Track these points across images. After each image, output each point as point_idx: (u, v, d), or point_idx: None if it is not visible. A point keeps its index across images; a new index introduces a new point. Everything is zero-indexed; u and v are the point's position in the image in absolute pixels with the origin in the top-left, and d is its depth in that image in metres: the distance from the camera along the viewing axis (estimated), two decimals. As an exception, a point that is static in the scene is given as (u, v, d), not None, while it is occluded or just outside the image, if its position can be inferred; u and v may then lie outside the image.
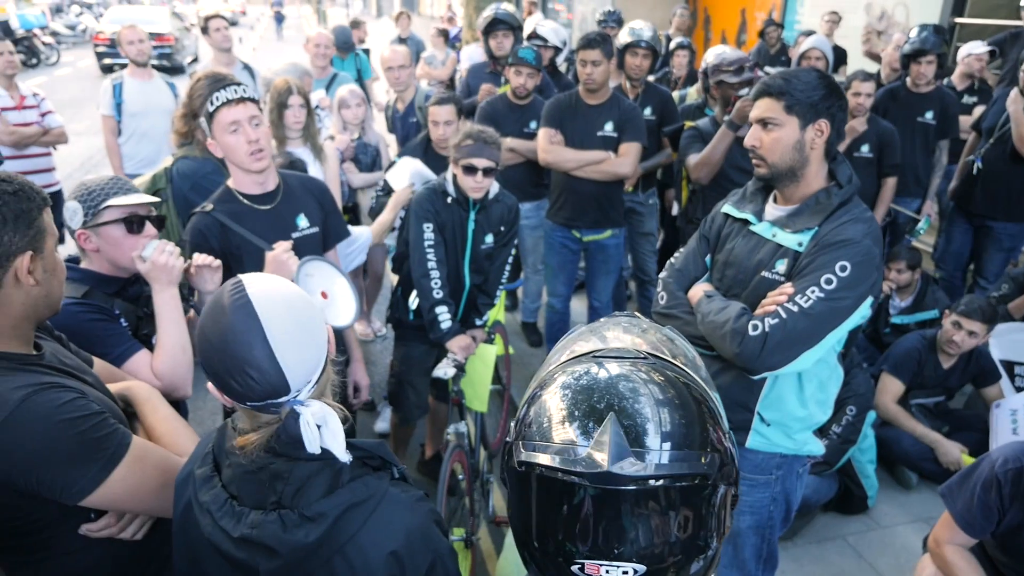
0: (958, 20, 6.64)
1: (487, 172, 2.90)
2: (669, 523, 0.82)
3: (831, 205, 1.88)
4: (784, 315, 1.79)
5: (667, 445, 0.81)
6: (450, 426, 3.07)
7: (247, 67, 5.18)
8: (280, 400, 1.13)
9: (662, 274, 2.21)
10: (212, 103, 2.27)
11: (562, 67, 5.26)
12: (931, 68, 4.52)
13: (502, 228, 3.14)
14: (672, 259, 2.23)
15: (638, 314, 1.08)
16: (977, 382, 3.71)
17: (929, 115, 4.56)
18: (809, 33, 5.50)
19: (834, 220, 1.86)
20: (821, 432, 3.26)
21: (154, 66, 5.03)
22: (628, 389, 0.85)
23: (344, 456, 1.14)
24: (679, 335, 1.04)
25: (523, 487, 0.86)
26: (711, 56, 3.74)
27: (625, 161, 3.81)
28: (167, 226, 3.24)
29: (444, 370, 2.94)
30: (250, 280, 1.16)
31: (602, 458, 0.79)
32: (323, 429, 1.14)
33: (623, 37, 4.33)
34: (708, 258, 2.14)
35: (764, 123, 1.92)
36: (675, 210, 4.26)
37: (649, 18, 5.81)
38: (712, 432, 0.85)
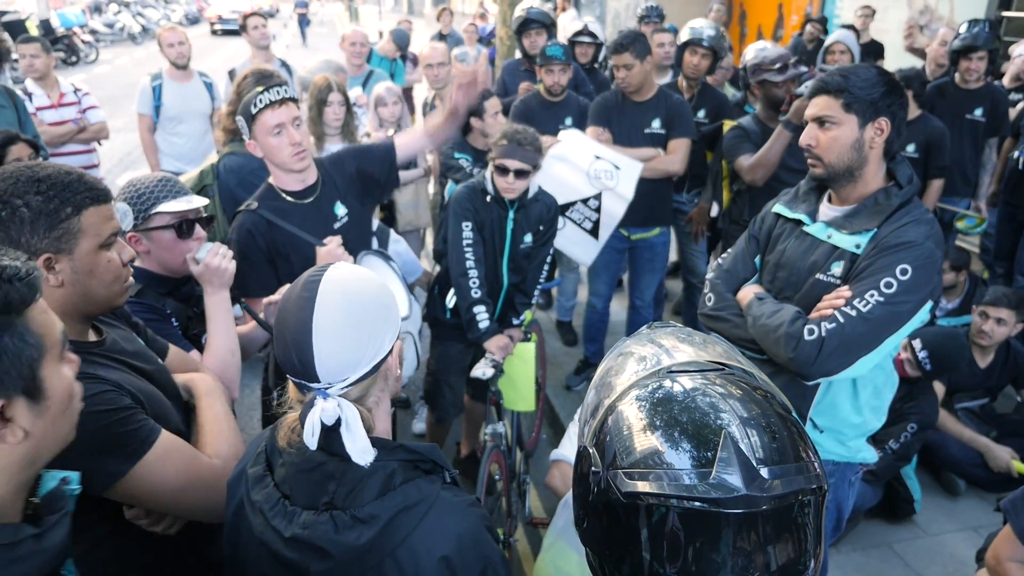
0: (1005, 14, 6.46)
1: (519, 174, 2.87)
2: (790, 541, 0.80)
3: (891, 206, 1.82)
4: (842, 319, 1.74)
5: (776, 461, 0.80)
6: (487, 427, 3.06)
7: (285, 64, 5.21)
8: (311, 385, 1.15)
9: (709, 275, 2.16)
10: (255, 105, 2.27)
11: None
12: (982, 64, 4.41)
13: (540, 227, 3.12)
14: (720, 259, 2.18)
15: (677, 324, 1.07)
16: (1018, 382, 3.62)
17: (979, 112, 4.45)
18: (850, 28, 5.39)
19: (894, 221, 1.80)
20: (876, 443, 3.19)
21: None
22: (744, 410, 0.83)
23: (359, 459, 1.13)
24: (727, 343, 1.01)
25: (625, 518, 0.83)
26: (751, 53, 3.66)
27: (675, 158, 3.77)
28: (214, 223, 3.27)
29: (483, 370, 2.93)
30: (338, 265, 1.21)
31: (736, 481, 0.76)
32: (342, 428, 1.13)
33: (684, 35, 4.27)
34: (758, 259, 2.09)
35: (821, 121, 1.86)
36: (714, 211, 4.19)
37: (684, 13, 5.75)
38: (804, 442, 0.84)
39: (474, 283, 2.94)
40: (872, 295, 1.73)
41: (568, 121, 4.22)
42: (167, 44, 4.77)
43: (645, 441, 0.83)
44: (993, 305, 3.42)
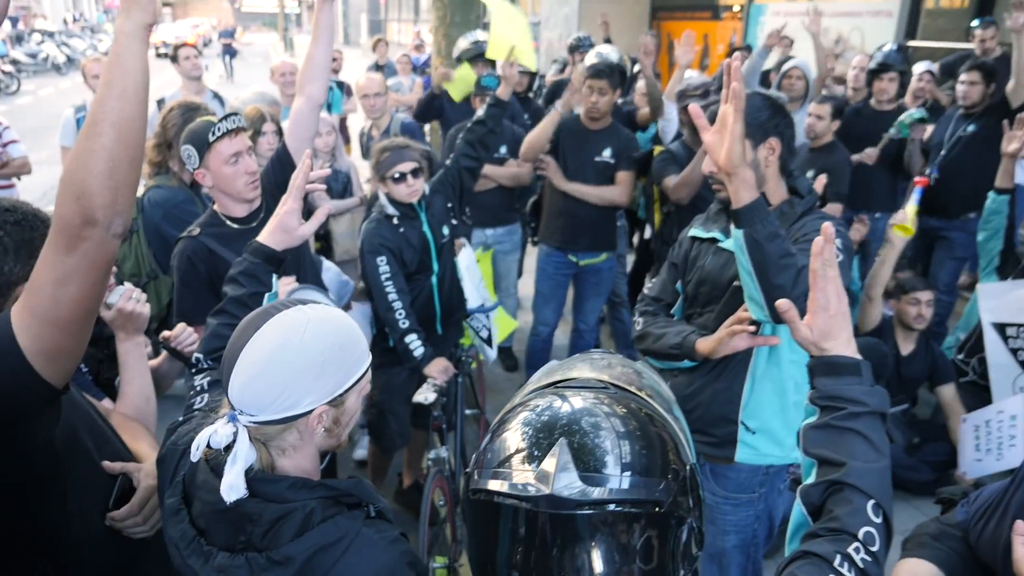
0: (911, 43, 6.87)
1: (415, 173, 2.95)
2: (628, 555, 0.82)
3: (795, 214, 1.96)
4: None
5: (626, 472, 0.82)
6: (431, 452, 3.06)
7: (217, 96, 5.16)
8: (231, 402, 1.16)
9: (638, 304, 2.27)
10: (213, 134, 2.27)
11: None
12: (893, 85, 4.72)
13: (448, 205, 3.20)
14: (646, 289, 2.30)
15: (610, 351, 1.11)
16: (933, 379, 3.81)
17: (892, 131, 4.72)
18: (787, 59, 5.68)
19: (800, 226, 1.93)
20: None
21: None
22: (586, 417, 0.87)
23: (225, 493, 1.10)
24: (650, 370, 1.06)
25: (479, 517, 0.87)
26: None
27: (622, 191, 3.92)
28: (137, 257, 3.21)
29: (425, 395, 2.94)
30: (306, 310, 1.19)
31: (546, 481, 0.80)
32: (229, 456, 1.12)
33: (589, 59, 4.42)
34: (679, 285, 2.19)
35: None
36: (648, 232, 4.34)
37: (615, 43, 5.95)
38: (672, 462, 0.87)
39: (400, 314, 2.96)
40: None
41: (503, 150, 4.30)
42: (91, 75, 4.68)
43: (502, 446, 0.88)
44: (915, 290, 3.74)
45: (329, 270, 3.28)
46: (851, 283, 4.41)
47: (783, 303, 1.22)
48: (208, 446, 1.13)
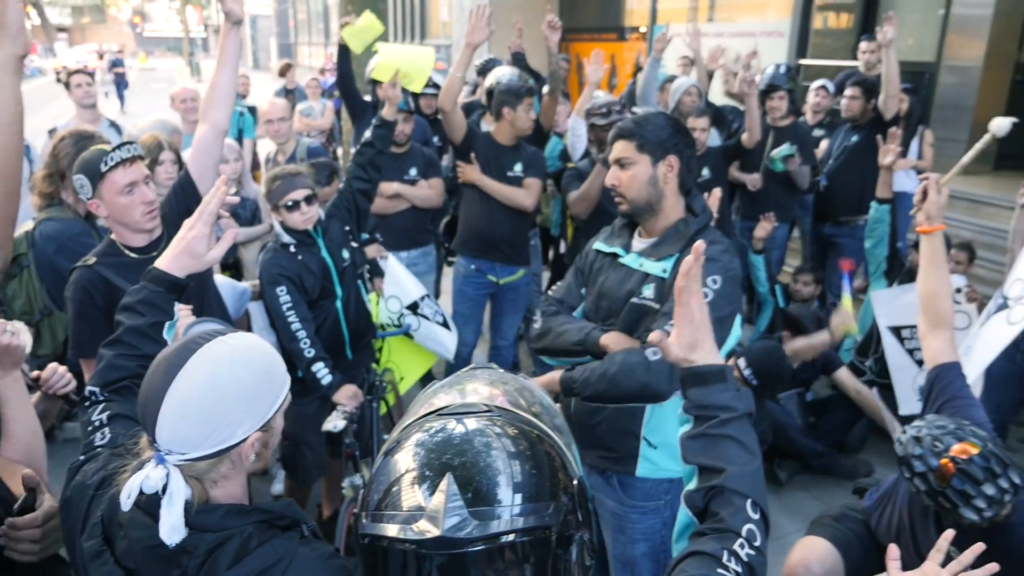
0: (802, 61, 7.26)
1: (309, 200, 2.92)
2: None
3: (689, 232, 2.02)
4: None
5: (516, 501, 0.83)
6: (345, 480, 3.01)
7: (113, 124, 4.98)
8: (153, 442, 1.13)
9: (540, 304, 2.30)
10: (105, 163, 2.18)
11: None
12: (783, 103, 4.97)
13: (346, 228, 3.18)
14: (551, 291, 2.33)
15: (495, 365, 1.11)
16: (826, 371, 4.14)
17: (768, 164, 4.96)
18: (672, 78, 5.88)
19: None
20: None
21: None
22: (470, 448, 0.86)
23: (166, 536, 1.08)
24: (531, 382, 1.07)
25: (372, 561, 0.85)
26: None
27: (530, 194, 4.00)
28: (29, 294, 3.05)
29: (334, 423, 2.89)
30: (227, 340, 1.18)
31: (435, 522, 0.80)
32: (164, 499, 1.10)
33: (488, 81, 4.50)
34: (584, 290, 2.25)
35: (621, 163, 2.06)
36: (563, 247, 4.43)
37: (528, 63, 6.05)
38: (561, 482, 0.88)
39: (305, 344, 2.92)
40: None
41: (413, 172, 4.31)
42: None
43: (387, 485, 0.86)
44: (803, 273, 4.34)
45: (223, 286, 3.21)
46: (758, 283, 4.62)
47: (655, 336, 1.28)
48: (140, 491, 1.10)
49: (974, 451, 1.86)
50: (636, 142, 2.03)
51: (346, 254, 3.14)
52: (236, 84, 2.56)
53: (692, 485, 1.21)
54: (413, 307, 3.80)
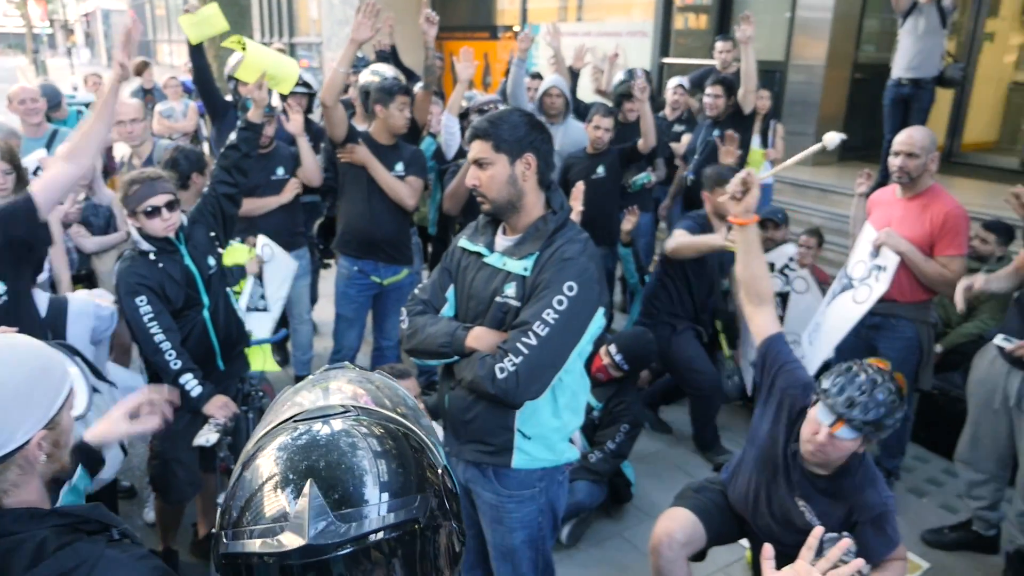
0: (665, 60, 7.58)
1: (171, 206, 2.79)
2: (398, 573, 0.82)
3: (548, 230, 2.06)
4: (526, 351, 1.93)
5: (383, 499, 0.81)
6: (220, 495, 2.87)
7: (-59, 128, 4.52)
8: None
9: (406, 305, 2.27)
10: None
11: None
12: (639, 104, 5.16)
13: (212, 234, 3.06)
14: (417, 290, 2.31)
15: (352, 364, 1.09)
16: (723, 269, 4.27)
17: (643, 176, 5.15)
18: (536, 75, 5.98)
19: (552, 244, 2.04)
20: (595, 445, 3.52)
21: None
22: (332, 451, 0.84)
23: None
24: (391, 380, 1.06)
25: None
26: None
27: (410, 191, 3.95)
28: None
29: (206, 436, 2.77)
30: None
31: (300, 531, 0.77)
32: None
33: (363, 78, 4.44)
34: (451, 290, 2.23)
35: (479, 163, 2.07)
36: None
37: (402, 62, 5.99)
38: (426, 473, 0.87)
39: (171, 355, 2.77)
40: (548, 314, 1.93)
41: (280, 171, 4.19)
42: None
43: (247, 498, 0.82)
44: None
45: (83, 313, 3.00)
46: (630, 275, 4.79)
47: None
48: None
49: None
50: (492, 142, 2.03)
51: (212, 261, 3.01)
52: (108, 136, 2.61)
53: None
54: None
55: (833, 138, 2.67)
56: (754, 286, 2.48)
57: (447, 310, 2.21)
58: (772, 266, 4.18)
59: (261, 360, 3.62)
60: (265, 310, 3.86)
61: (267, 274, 3.87)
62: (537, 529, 2.21)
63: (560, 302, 1.93)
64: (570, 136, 4.92)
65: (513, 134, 2.03)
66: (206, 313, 2.97)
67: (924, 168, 3.30)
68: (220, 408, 2.84)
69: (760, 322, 2.49)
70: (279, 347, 5.14)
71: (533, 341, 1.92)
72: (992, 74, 7.90)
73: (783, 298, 4.20)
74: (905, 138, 3.31)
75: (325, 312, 4.95)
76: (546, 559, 2.30)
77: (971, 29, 7.20)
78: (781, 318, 4.12)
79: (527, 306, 1.99)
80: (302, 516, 0.77)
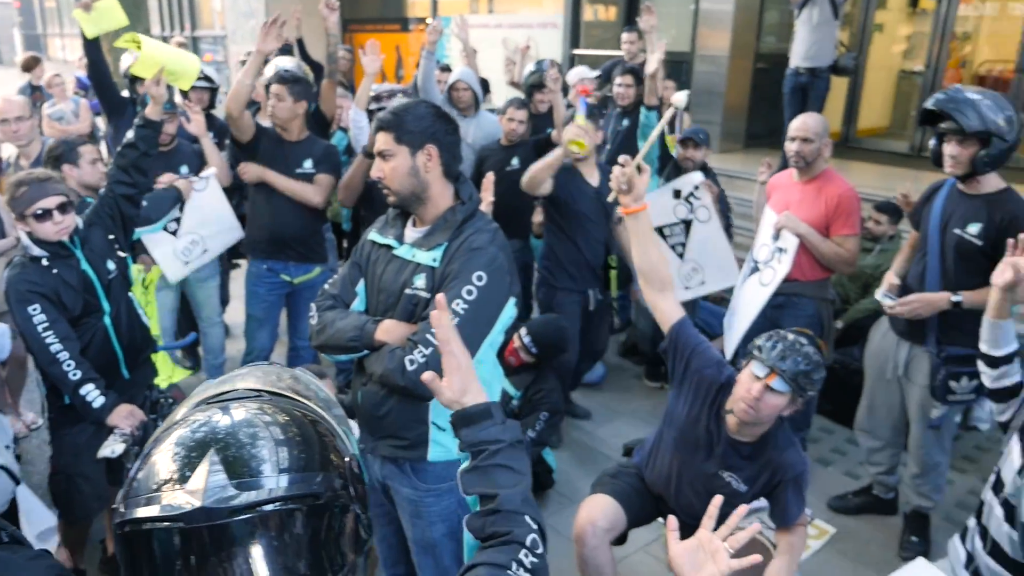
0: (575, 52, 7.68)
1: (63, 208, 2.66)
2: (294, 552, 0.82)
3: (456, 221, 2.06)
4: (435, 341, 1.91)
5: (283, 472, 0.82)
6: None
7: None
8: None
9: (316, 300, 2.24)
10: None
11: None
12: (551, 95, 5.21)
13: (111, 237, 2.95)
14: (327, 285, 2.28)
15: (275, 362, 1.10)
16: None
17: (551, 131, 5.21)
18: (446, 68, 5.95)
19: (461, 234, 2.04)
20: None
21: None
22: (238, 426, 0.85)
23: None
24: (307, 374, 1.07)
25: (133, 553, 0.81)
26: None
27: (318, 189, 3.85)
28: None
29: (111, 448, 2.65)
30: None
31: (197, 495, 0.78)
32: None
33: (268, 71, 4.32)
34: (361, 284, 2.21)
35: (382, 155, 2.06)
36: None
37: (311, 56, 5.86)
38: (332, 457, 0.89)
39: (69, 365, 2.64)
40: (458, 304, 1.93)
41: (184, 170, 4.05)
42: None
43: (150, 471, 0.83)
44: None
45: None
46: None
47: (427, 375, 1.34)
48: None
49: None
50: (394, 134, 2.03)
51: (111, 265, 2.88)
52: None
53: (475, 511, 1.30)
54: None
55: (681, 98, 2.79)
56: (653, 274, 2.48)
57: (357, 304, 2.19)
58: (678, 193, 4.25)
59: (169, 370, 3.50)
60: (174, 233, 3.89)
61: (192, 202, 3.91)
62: (457, 521, 2.21)
63: (469, 292, 1.94)
64: (483, 129, 4.92)
65: (415, 126, 2.03)
66: (107, 319, 2.85)
67: (818, 153, 3.45)
68: (125, 418, 2.73)
69: (665, 308, 2.52)
70: (190, 352, 4.98)
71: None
72: (883, 63, 8.35)
73: (686, 225, 4.28)
74: (799, 124, 3.46)
75: (238, 314, 4.81)
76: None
77: (862, 20, 7.59)
78: (683, 244, 4.30)
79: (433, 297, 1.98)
80: (199, 481, 0.78)
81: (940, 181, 3.19)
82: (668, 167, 4.57)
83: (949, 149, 2.89)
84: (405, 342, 1.98)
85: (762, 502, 2.62)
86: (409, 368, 1.92)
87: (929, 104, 2.97)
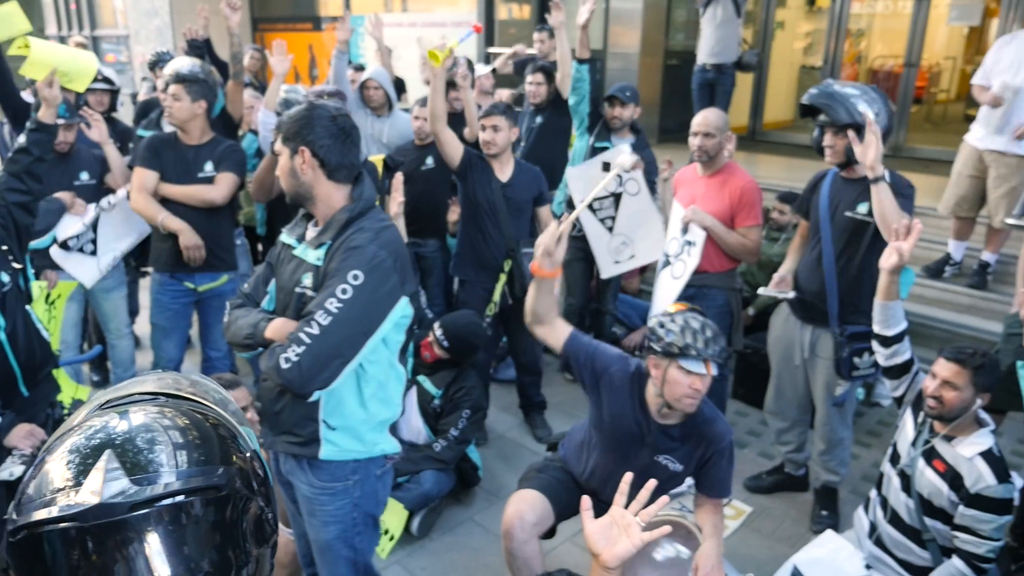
0: (490, 49, 7.72)
1: None
2: (195, 545, 0.82)
3: (343, 219, 2.06)
4: (308, 340, 1.91)
5: (182, 467, 0.82)
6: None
7: None
8: None
9: (231, 299, 2.24)
10: None
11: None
12: (462, 92, 5.23)
13: (3, 248, 2.80)
14: (244, 285, 2.28)
15: (167, 371, 1.08)
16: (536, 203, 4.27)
17: (466, 131, 5.23)
18: (360, 67, 5.89)
19: (344, 233, 2.04)
20: (439, 433, 3.54)
21: None
22: (134, 427, 0.85)
23: None
24: (205, 378, 1.06)
25: (27, 562, 0.78)
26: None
27: (219, 188, 3.71)
28: None
29: (9, 471, 2.52)
30: None
31: (95, 494, 0.77)
32: None
33: (167, 71, 4.18)
34: (273, 284, 2.22)
35: (275, 155, 2.07)
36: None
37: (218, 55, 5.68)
38: (231, 451, 0.89)
39: None
40: (332, 303, 1.92)
41: (84, 176, 3.88)
42: None
43: (44, 477, 0.82)
44: None
45: None
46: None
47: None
48: None
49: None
50: (281, 134, 2.08)
51: (6, 277, 2.73)
52: None
53: None
54: (63, 245, 3.81)
55: (625, 161, 2.87)
56: (539, 316, 2.55)
57: (267, 303, 2.20)
58: (607, 166, 4.23)
59: (72, 388, 3.34)
60: (93, 254, 3.82)
61: (105, 223, 3.89)
62: (351, 525, 2.19)
63: (344, 291, 1.93)
64: (397, 128, 4.89)
65: (289, 128, 2.06)
66: (2, 335, 2.70)
67: (720, 147, 3.58)
68: (24, 438, 2.59)
69: (552, 334, 2.58)
70: (99, 365, 4.78)
71: (315, 331, 1.91)
72: (785, 59, 8.72)
73: (616, 199, 4.32)
74: (701, 120, 3.59)
75: (148, 324, 4.63)
76: (363, 558, 2.28)
77: (764, 18, 7.90)
78: (613, 218, 4.36)
79: (316, 296, 2.00)
80: (97, 479, 0.77)
81: (823, 171, 3.40)
82: (598, 125, 4.61)
83: (827, 140, 3.10)
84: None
85: (683, 487, 2.71)
86: (283, 366, 1.92)
87: (804, 100, 3.19)
